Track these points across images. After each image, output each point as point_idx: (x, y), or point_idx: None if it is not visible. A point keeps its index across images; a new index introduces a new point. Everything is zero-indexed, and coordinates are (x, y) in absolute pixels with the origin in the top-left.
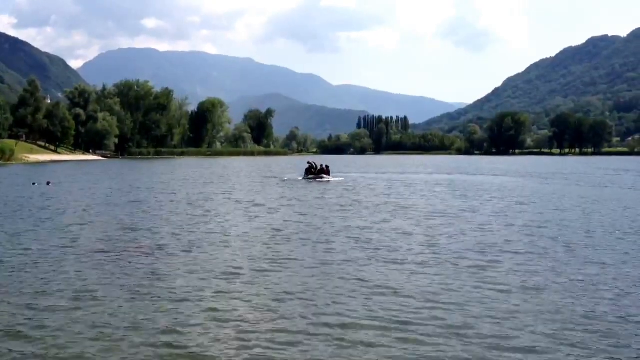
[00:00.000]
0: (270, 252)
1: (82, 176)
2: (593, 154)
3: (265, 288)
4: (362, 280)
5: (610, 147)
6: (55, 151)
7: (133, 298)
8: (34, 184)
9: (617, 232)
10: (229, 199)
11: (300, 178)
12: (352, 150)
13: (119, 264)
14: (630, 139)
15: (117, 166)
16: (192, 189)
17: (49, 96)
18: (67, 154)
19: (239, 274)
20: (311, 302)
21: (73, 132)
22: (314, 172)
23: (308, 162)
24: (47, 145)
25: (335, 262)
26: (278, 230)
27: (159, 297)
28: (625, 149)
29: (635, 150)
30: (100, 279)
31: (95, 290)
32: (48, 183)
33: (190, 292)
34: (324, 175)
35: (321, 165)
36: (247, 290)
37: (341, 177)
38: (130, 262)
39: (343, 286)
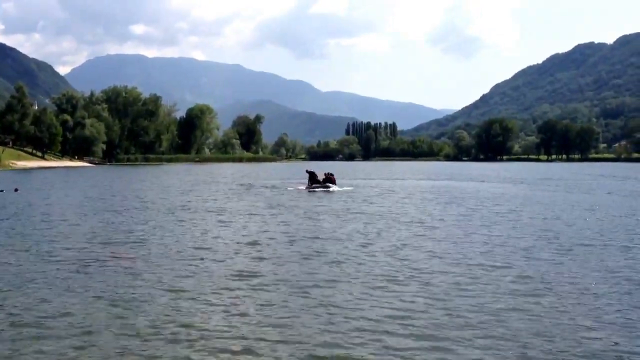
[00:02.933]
0: (245, 265)
1: (62, 183)
2: (580, 160)
3: (236, 304)
4: (334, 305)
5: (597, 153)
6: (43, 157)
7: (97, 314)
8: (1, 190)
9: (609, 241)
10: (209, 208)
11: (303, 187)
12: (340, 156)
13: (81, 276)
14: (616, 145)
15: (102, 172)
16: (173, 197)
17: (36, 102)
18: (55, 161)
19: (216, 288)
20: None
21: (60, 139)
22: (319, 181)
23: (307, 171)
24: (34, 151)
25: (315, 282)
26: (254, 243)
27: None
28: (612, 155)
29: (622, 156)
30: (63, 291)
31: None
32: (16, 190)
33: (161, 309)
34: (330, 185)
35: (325, 174)
36: (217, 308)
37: (349, 187)
38: (95, 275)
39: (315, 309)
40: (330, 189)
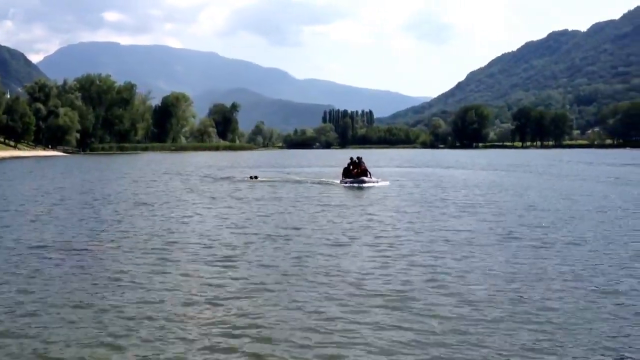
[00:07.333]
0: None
1: (20, 174)
2: (554, 146)
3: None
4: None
5: (571, 139)
6: (15, 147)
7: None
8: None
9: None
10: (179, 198)
11: (338, 182)
12: (317, 144)
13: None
14: (590, 131)
15: (72, 162)
16: (141, 187)
17: (8, 91)
18: (28, 150)
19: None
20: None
21: (33, 128)
22: (353, 175)
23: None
24: (7, 141)
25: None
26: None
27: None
28: (586, 142)
29: (595, 142)
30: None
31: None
32: None
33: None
34: (365, 179)
35: (359, 161)
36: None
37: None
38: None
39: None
40: (367, 184)
